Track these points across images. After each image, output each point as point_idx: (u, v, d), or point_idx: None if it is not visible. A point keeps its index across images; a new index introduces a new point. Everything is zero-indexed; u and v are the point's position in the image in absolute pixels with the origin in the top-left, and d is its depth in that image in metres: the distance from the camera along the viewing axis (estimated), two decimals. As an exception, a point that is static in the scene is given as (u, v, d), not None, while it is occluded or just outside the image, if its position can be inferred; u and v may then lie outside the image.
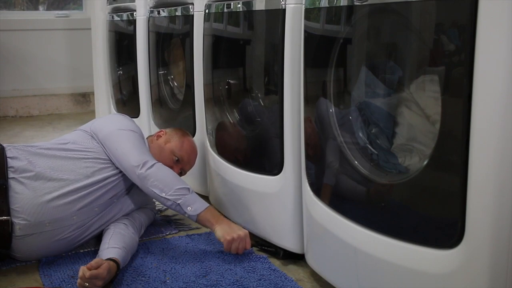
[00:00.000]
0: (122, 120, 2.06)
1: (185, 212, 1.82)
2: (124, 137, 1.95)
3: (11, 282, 1.71)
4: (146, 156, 1.90)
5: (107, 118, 2.15)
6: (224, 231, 1.80)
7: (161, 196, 1.83)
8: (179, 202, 1.82)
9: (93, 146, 1.95)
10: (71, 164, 1.86)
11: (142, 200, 2.03)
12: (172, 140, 2.10)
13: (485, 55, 1.04)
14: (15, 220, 1.71)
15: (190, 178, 2.44)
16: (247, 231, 1.83)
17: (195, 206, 1.82)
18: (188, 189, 1.85)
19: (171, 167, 2.02)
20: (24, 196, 1.74)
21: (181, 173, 2.10)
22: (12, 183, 1.75)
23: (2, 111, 4.51)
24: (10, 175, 1.77)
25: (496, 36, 1.02)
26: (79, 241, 1.87)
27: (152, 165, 1.87)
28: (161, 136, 2.13)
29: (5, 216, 1.71)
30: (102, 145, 1.95)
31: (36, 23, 4.60)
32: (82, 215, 1.83)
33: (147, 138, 2.14)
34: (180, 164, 2.09)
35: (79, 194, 1.82)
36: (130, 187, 1.98)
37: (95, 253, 1.86)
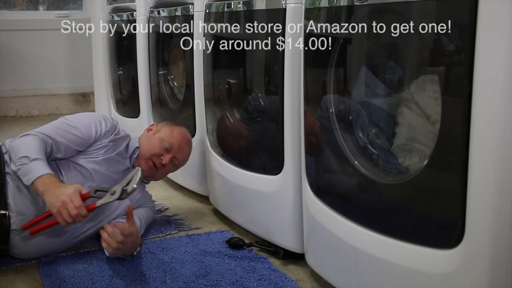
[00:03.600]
0: (83, 116, 1.98)
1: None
2: (54, 122, 1.90)
3: (11, 282, 1.71)
4: (34, 132, 1.80)
5: (82, 114, 2.10)
6: (50, 202, 1.61)
7: (14, 170, 1.71)
8: (19, 173, 1.69)
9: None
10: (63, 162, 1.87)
11: (140, 196, 2.03)
12: (161, 130, 2.07)
13: (485, 55, 1.04)
14: (11, 214, 1.72)
15: (190, 178, 2.44)
16: (70, 193, 1.61)
17: (29, 176, 1.66)
18: (27, 157, 1.69)
19: (161, 155, 2.00)
20: (19, 191, 1.75)
21: (174, 163, 2.05)
22: (8, 178, 1.77)
23: (2, 111, 4.50)
24: (6, 169, 1.78)
25: (496, 36, 1.02)
26: (78, 238, 1.87)
27: (19, 136, 1.78)
28: (151, 129, 2.12)
29: (2, 210, 1.71)
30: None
31: (36, 23, 4.59)
32: None
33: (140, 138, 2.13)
34: (171, 153, 2.02)
35: None
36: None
37: (95, 253, 1.86)
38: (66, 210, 1.60)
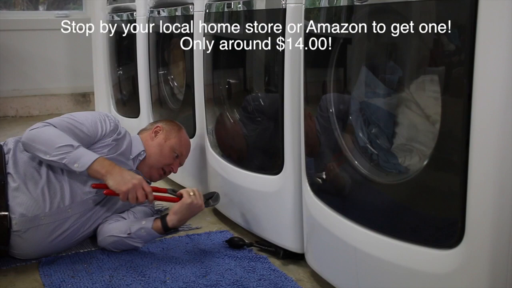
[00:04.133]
0: (88, 114, 1.99)
1: (75, 171, 1.74)
2: (61, 117, 1.90)
3: (11, 282, 1.71)
4: (46, 123, 1.82)
5: (86, 112, 2.11)
6: (116, 182, 1.73)
7: (47, 159, 1.74)
8: (64, 162, 1.73)
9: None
10: None
11: None
12: (171, 137, 2.08)
13: (485, 55, 1.04)
14: (12, 215, 1.72)
15: (191, 178, 2.44)
16: (140, 178, 1.78)
17: (81, 162, 1.72)
18: (72, 145, 1.74)
19: (171, 164, 2.07)
20: (19, 192, 1.75)
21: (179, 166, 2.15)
22: (9, 179, 1.77)
23: (2, 111, 4.50)
24: (8, 170, 1.78)
25: (496, 36, 1.02)
26: (77, 237, 1.87)
27: (36, 127, 1.79)
28: (158, 132, 2.09)
29: (3, 212, 1.71)
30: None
31: (36, 23, 4.59)
32: (77, 207, 1.83)
33: (141, 133, 2.13)
34: (178, 159, 2.10)
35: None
36: None
37: (95, 253, 1.86)
38: (134, 193, 1.74)
